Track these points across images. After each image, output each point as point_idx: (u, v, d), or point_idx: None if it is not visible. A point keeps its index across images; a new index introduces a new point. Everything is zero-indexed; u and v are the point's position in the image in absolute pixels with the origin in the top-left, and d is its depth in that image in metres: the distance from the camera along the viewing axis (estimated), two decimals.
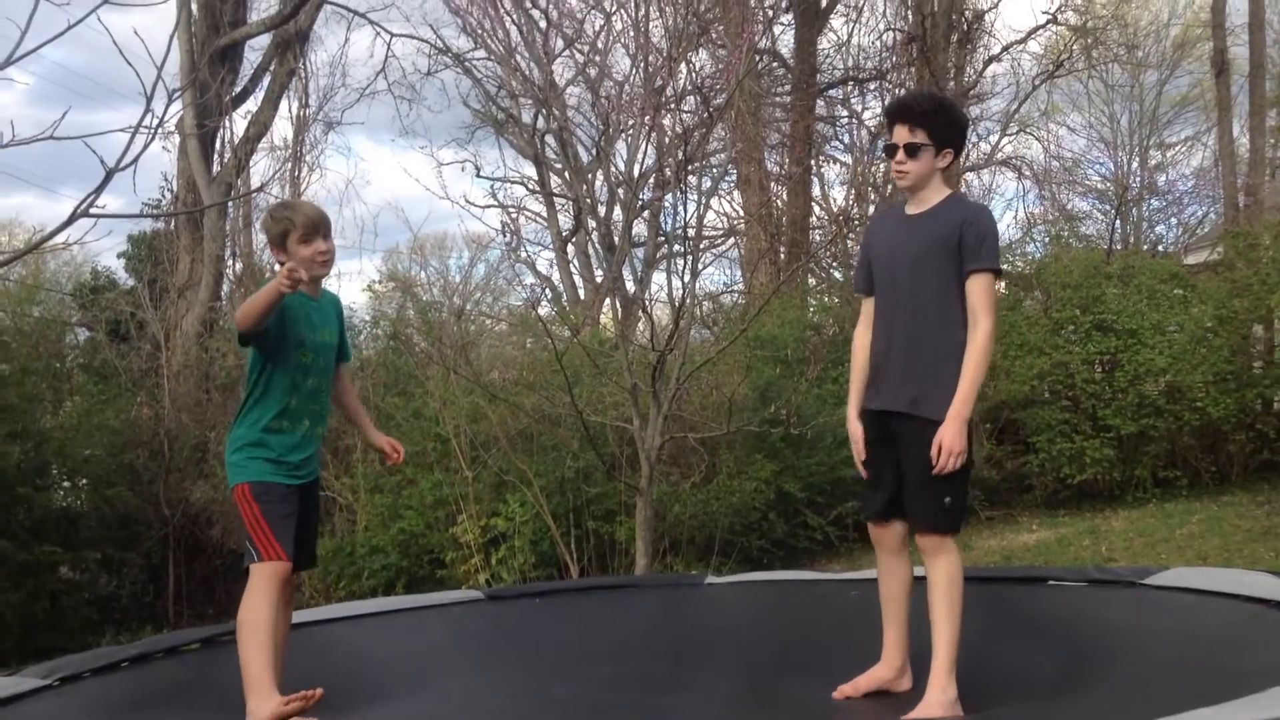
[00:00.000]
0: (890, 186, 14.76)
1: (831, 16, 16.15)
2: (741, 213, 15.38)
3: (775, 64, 16.12)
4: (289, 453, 3.45)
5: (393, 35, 14.84)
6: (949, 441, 3.02)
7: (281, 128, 20.42)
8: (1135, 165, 24.61)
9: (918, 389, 3.14)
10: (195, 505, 9.80)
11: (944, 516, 3.12)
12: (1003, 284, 12.28)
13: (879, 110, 15.78)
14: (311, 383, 3.51)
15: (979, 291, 3.08)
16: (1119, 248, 15.34)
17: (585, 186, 14.65)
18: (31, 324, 10.68)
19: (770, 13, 15.12)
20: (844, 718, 3.21)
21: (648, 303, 12.58)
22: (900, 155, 3.20)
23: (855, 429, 3.39)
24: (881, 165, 15.31)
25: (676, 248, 10.90)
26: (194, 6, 13.00)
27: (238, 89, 13.88)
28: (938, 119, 3.22)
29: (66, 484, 9.90)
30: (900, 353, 3.20)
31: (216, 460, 9.92)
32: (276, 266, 3.45)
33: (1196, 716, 2.22)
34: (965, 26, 15.42)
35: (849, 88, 16.18)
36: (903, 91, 14.89)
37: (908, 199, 3.33)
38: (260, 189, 13.26)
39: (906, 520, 3.27)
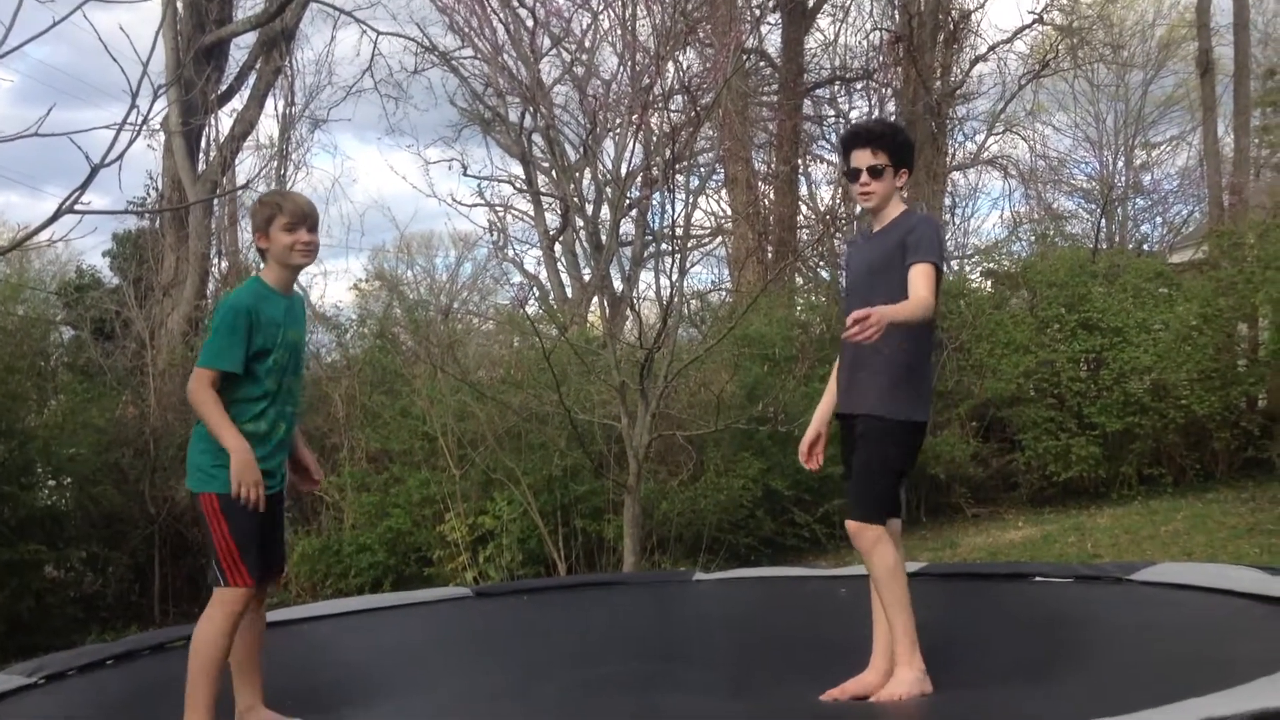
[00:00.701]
0: None
1: (818, 16, 16.17)
2: (729, 211, 15.39)
3: (762, 63, 16.13)
4: (264, 460, 3.30)
5: (379, 33, 14.81)
6: (876, 311, 3.03)
7: (267, 126, 20.36)
8: (1120, 164, 24.69)
9: (859, 390, 3.38)
10: (181, 504, 9.74)
11: (869, 506, 3.30)
12: (989, 283, 12.33)
13: (866, 110, 15.83)
14: (286, 382, 3.39)
15: (916, 276, 3.23)
16: (1104, 247, 15.40)
17: (572, 185, 14.63)
18: (15, 322, 10.58)
19: (758, 12, 15.15)
20: (832, 713, 3.21)
21: (635, 301, 12.60)
22: (865, 178, 3.40)
23: (810, 430, 3.72)
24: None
25: (664, 246, 10.90)
26: (179, 4, 12.93)
27: (223, 87, 13.81)
28: (895, 141, 3.43)
29: (51, 483, 9.83)
30: (851, 357, 3.43)
31: None
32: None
33: (1185, 707, 2.23)
34: (952, 26, 15.46)
35: (836, 87, 16.20)
36: (886, 103, 14.95)
37: (872, 220, 3.51)
38: (245, 186, 13.19)
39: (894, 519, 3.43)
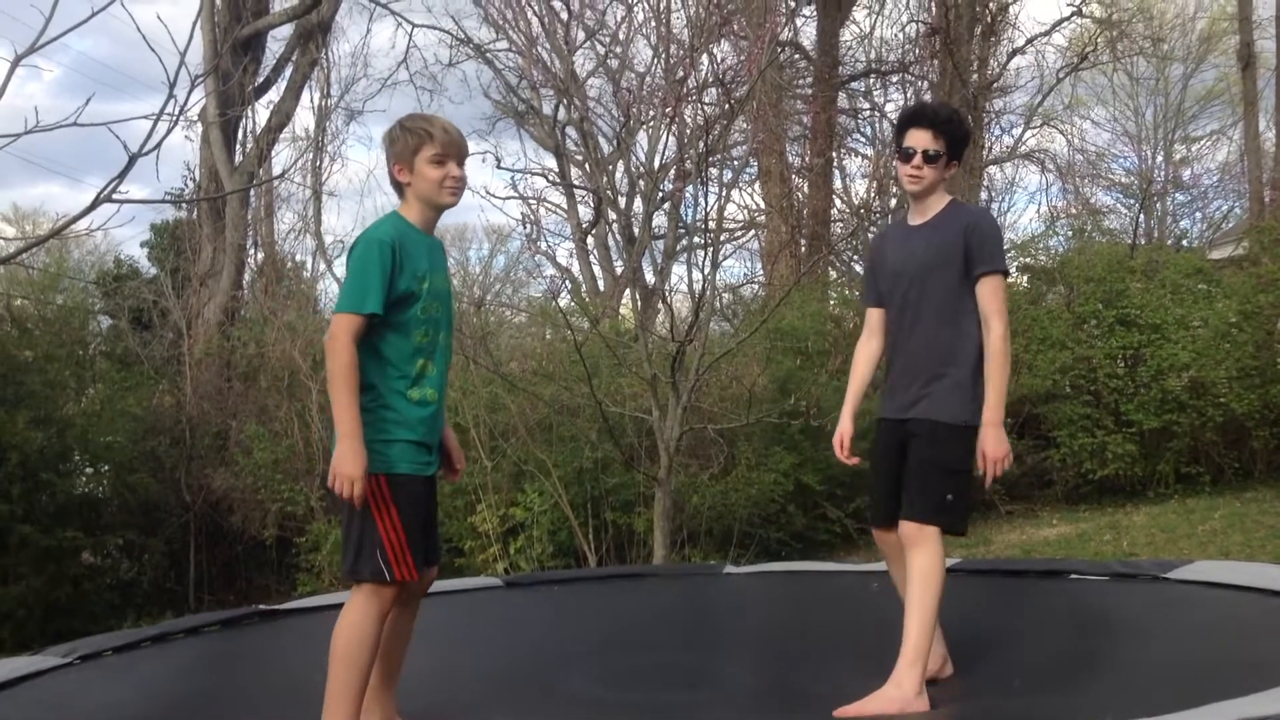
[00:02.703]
0: None
1: (854, 8, 16.07)
2: (762, 205, 15.34)
3: (797, 56, 16.06)
4: (429, 431, 2.89)
5: (414, 26, 14.89)
6: (990, 452, 3.07)
7: (303, 118, 20.50)
8: (1160, 159, 24.43)
9: (922, 391, 3.20)
10: (216, 492, 9.86)
11: (933, 508, 3.12)
12: (1025, 278, 12.22)
13: (901, 103, 15.72)
14: (442, 338, 2.95)
15: (989, 294, 3.13)
16: (1143, 242, 15.20)
17: (605, 178, 14.64)
18: (55, 311, 10.74)
19: (792, 4, 15.06)
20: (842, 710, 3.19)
21: (667, 294, 12.57)
22: (919, 160, 3.25)
23: (844, 426, 3.53)
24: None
25: (696, 239, 10.87)
26: None
27: (260, 79, 13.92)
28: (956, 130, 3.30)
29: (89, 470, 9.97)
30: (910, 360, 3.27)
31: (238, 448, 9.98)
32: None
33: (1222, 709, 2.20)
34: (989, 19, 15.31)
35: (871, 80, 16.11)
36: (922, 96, 14.83)
37: (910, 209, 3.39)
38: (281, 176, 13.30)
39: None
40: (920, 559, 3.09)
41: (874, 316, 3.45)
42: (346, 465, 2.70)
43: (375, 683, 2.94)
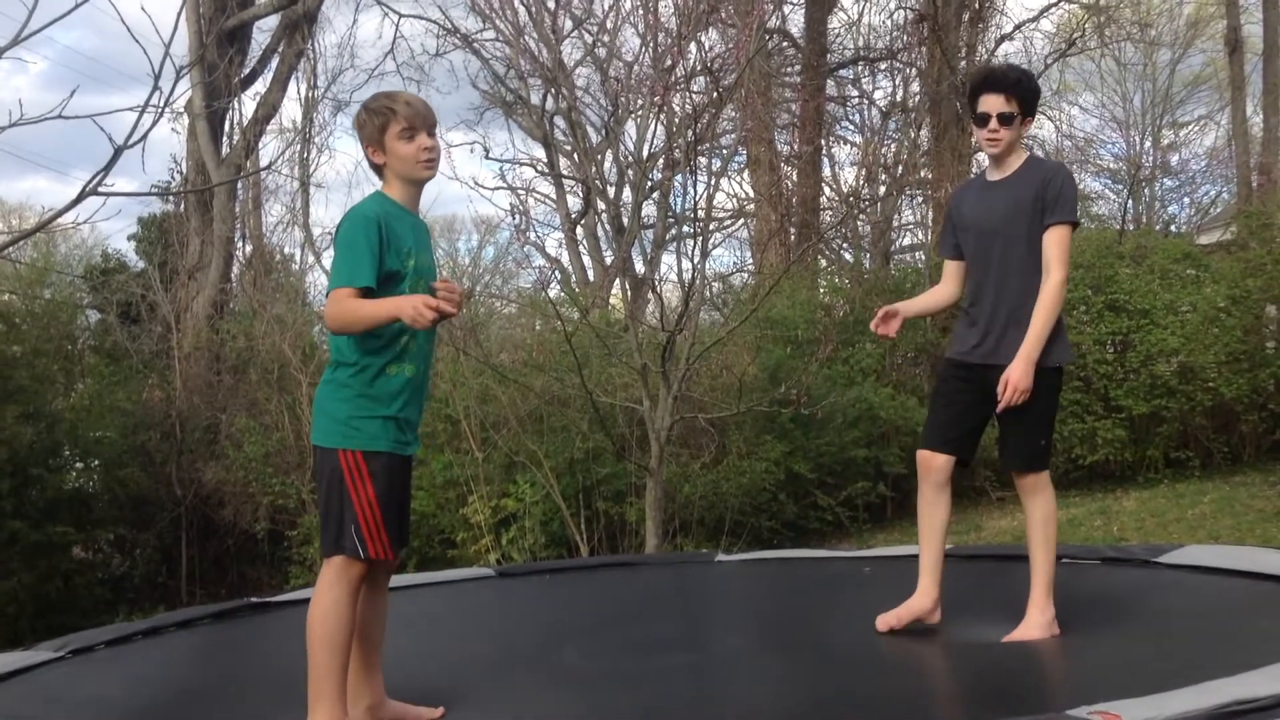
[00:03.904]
0: (900, 168, 14.70)
1: None
2: (751, 193, 15.33)
3: (785, 43, 16.03)
4: (406, 407, 2.88)
5: (401, 16, 14.82)
6: (1015, 378, 3.24)
7: (290, 109, 20.41)
8: (1148, 145, 24.49)
9: (1004, 339, 3.38)
10: (207, 486, 9.85)
11: (1041, 456, 3.42)
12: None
13: (890, 90, 15.73)
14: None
15: (1054, 243, 3.29)
16: (1131, 228, 15.26)
17: (594, 168, 14.60)
18: (42, 306, 10.70)
19: None
20: (851, 684, 3.20)
21: (657, 284, 12.55)
22: (994, 124, 3.39)
23: (897, 306, 3.65)
24: (891, 145, 15.27)
25: (686, 229, 10.87)
26: None
27: (246, 70, 13.86)
28: (1027, 88, 3.43)
29: (79, 465, 9.94)
30: (993, 309, 3.42)
31: (228, 441, 9.95)
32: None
33: (1211, 688, 2.21)
34: (977, 5, 15.29)
35: (859, 67, 16.10)
36: (911, 83, 14.82)
37: (989, 166, 3.53)
38: (268, 168, 13.24)
39: (957, 461, 3.56)
40: (1040, 505, 3.40)
41: (950, 267, 3.64)
42: (417, 300, 2.67)
43: (358, 665, 2.93)
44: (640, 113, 13.28)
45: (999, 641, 3.35)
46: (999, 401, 3.31)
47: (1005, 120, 3.35)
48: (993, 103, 3.37)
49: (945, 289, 3.64)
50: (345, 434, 2.78)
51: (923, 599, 3.49)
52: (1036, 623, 3.28)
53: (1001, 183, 3.42)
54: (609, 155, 14.85)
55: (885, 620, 3.47)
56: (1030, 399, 3.28)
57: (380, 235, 2.77)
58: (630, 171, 13.58)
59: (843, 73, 16.14)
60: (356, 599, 2.83)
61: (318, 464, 2.88)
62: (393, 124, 2.87)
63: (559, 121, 15.65)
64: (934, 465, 3.53)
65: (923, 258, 12.85)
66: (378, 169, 2.94)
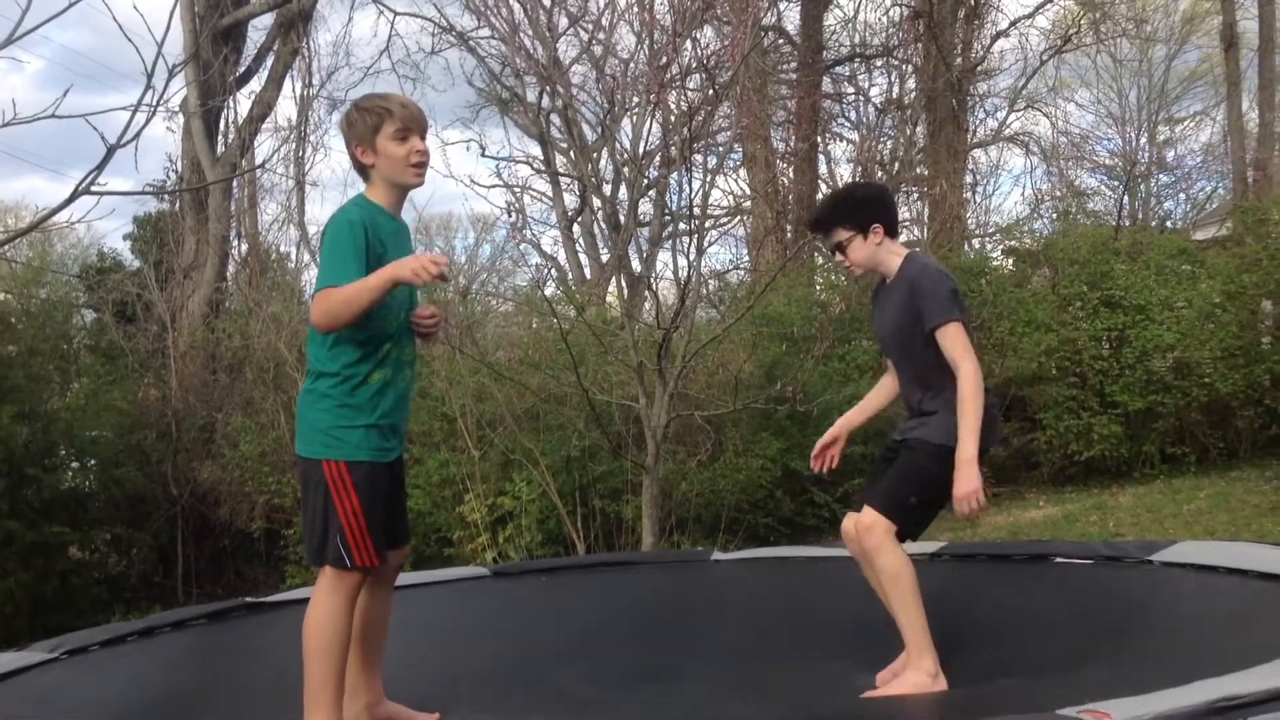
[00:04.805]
0: (896, 165, 14.72)
1: None
2: (747, 190, 15.34)
3: (781, 41, 16.04)
4: (390, 413, 2.85)
5: (396, 14, 14.81)
6: (960, 487, 3.15)
7: (285, 107, 20.38)
8: (1144, 141, 24.50)
9: (913, 424, 3.36)
10: (203, 485, 9.84)
11: (897, 508, 3.23)
12: (1010, 261, 12.24)
13: (885, 87, 15.73)
14: (406, 318, 2.91)
15: (948, 344, 3.22)
16: (1127, 224, 15.25)
17: (590, 165, 14.60)
18: (38, 305, 10.70)
19: None
20: (851, 693, 3.20)
21: (653, 281, 12.56)
22: (838, 255, 3.45)
23: (829, 433, 3.66)
24: (887, 142, 15.29)
25: (682, 226, 10.87)
26: None
27: (241, 69, 13.84)
28: (844, 210, 3.42)
29: (75, 465, 9.93)
30: (906, 403, 3.45)
31: (224, 440, 9.95)
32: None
33: (1203, 687, 2.21)
34: (973, 1, 15.31)
35: (855, 64, 16.10)
36: (907, 80, 14.79)
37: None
38: (262, 166, 13.23)
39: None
40: (881, 563, 3.19)
41: (889, 361, 3.63)
42: (413, 260, 2.69)
43: (358, 668, 2.93)
44: (636, 110, 13.29)
45: (990, 641, 3.35)
46: (895, 465, 3.32)
47: (842, 250, 3.39)
48: (827, 242, 3.45)
49: (887, 385, 3.64)
50: (328, 444, 2.78)
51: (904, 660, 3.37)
52: (910, 682, 3.12)
53: (885, 290, 3.45)
54: (605, 153, 14.84)
55: (881, 678, 3.32)
56: (914, 458, 3.26)
57: (365, 239, 2.75)
58: (626, 169, 13.58)
59: (839, 70, 16.15)
60: (353, 607, 2.82)
61: (301, 473, 2.87)
62: (387, 124, 2.84)
63: (555, 119, 15.64)
64: (851, 535, 3.41)
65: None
66: (363, 170, 2.90)
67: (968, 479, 3.13)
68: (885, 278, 3.43)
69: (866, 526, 3.22)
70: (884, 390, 3.65)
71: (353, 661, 2.89)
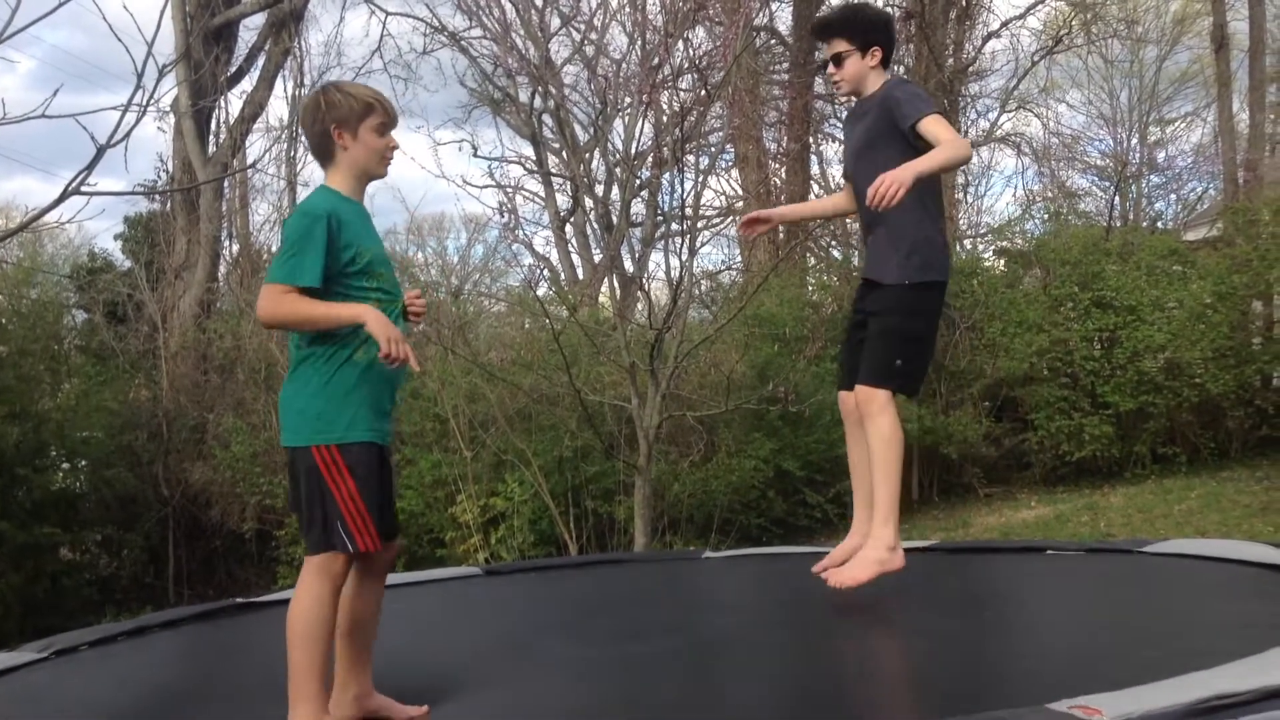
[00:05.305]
0: None
1: None
2: (740, 191, 15.33)
3: (773, 41, 16.05)
4: (376, 391, 2.79)
5: (388, 14, 14.79)
6: (892, 174, 3.06)
7: (277, 107, 20.33)
8: (1135, 142, 24.56)
9: (877, 261, 3.41)
10: (194, 486, 9.82)
11: (886, 374, 3.31)
12: (1002, 262, 12.24)
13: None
14: (385, 305, 2.83)
15: (933, 129, 3.22)
16: (1118, 224, 15.30)
17: (582, 166, 14.59)
18: (29, 306, 10.65)
19: None
20: (832, 678, 3.20)
21: (646, 282, 12.56)
22: (831, 68, 3.51)
23: (767, 212, 3.84)
24: None
25: (674, 226, 10.87)
26: None
27: (233, 69, 13.82)
28: (853, 23, 3.48)
29: (66, 465, 9.91)
30: (866, 233, 3.50)
31: (216, 441, 9.92)
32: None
33: (1191, 680, 2.22)
34: (964, 2, 15.33)
35: None
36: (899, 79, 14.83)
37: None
38: (254, 166, 13.20)
39: None
40: (876, 427, 3.28)
41: (846, 185, 3.69)
42: (390, 328, 2.66)
43: (349, 660, 2.89)
44: (628, 110, 13.28)
45: (980, 635, 3.35)
46: (873, 319, 3.35)
47: (837, 61, 3.44)
48: (826, 49, 3.50)
49: (835, 198, 3.75)
50: (317, 429, 2.71)
51: (855, 537, 3.52)
52: (869, 558, 3.23)
53: (856, 111, 3.53)
54: (597, 153, 14.83)
55: (820, 565, 3.52)
56: (889, 311, 3.30)
57: (330, 232, 2.70)
58: (618, 169, 13.58)
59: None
60: (338, 596, 2.78)
61: (292, 465, 2.81)
62: (374, 115, 2.84)
63: (547, 119, 15.62)
64: (847, 404, 3.54)
65: None
66: (328, 152, 2.85)
67: (902, 172, 3.05)
68: (861, 98, 3.50)
69: (866, 397, 3.31)
70: (831, 202, 3.78)
71: (343, 654, 2.86)
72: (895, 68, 13.55)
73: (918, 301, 3.29)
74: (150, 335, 11.76)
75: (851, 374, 3.46)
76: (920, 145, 3.23)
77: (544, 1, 14.43)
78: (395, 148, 2.90)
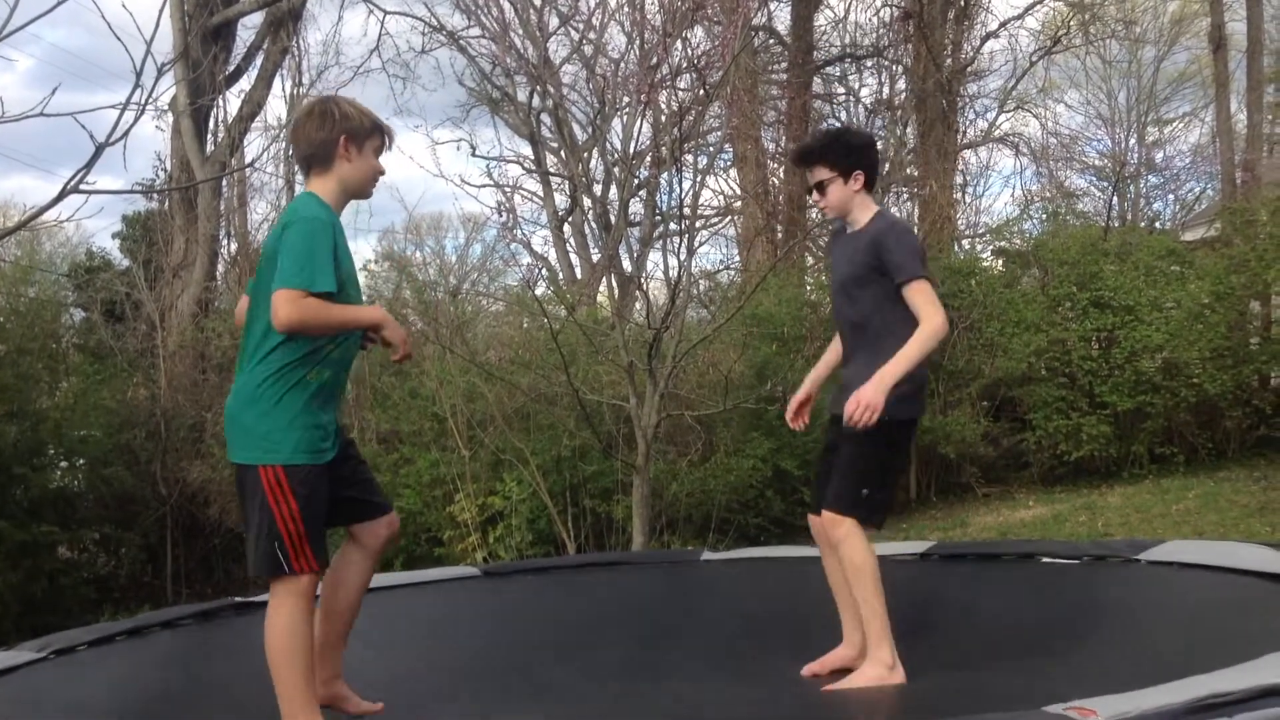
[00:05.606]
0: (886, 166, 14.72)
1: None
2: (738, 190, 15.33)
3: (771, 41, 16.04)
4: (321, 413, 2.80)
5: (386, 13, 14.75)
6: (865, 395, 3.07)
7: (275, 106, 20.33)
8: (1133, 142, 24.58)
9: (847, 396, 3.27)
10: (192, 485, 9.81)
11: (851, 502, 3.23)
12: (1000, 262, 12.26)
13: (876, 87, 15.76)
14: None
15: (917, 300, 3.19)
16: (1116, 224, 15.30)
17: (581, 165, 14.58)
18: (27, 304, 10.64)
19: None
20: (833, 699, 3.21)
21: (644, 281, 12.55)
22: (815, 195, 3.43)
23: (801, 391, 3.75)
24: (878, 142, 15.27)
25: (673, 226, 10.86)
26: None
27: (231, 67, 13.80)
28: (834, 150, 3.40)
29: (64, 464, 9.90)
30: (845, 363, 3.46)
31: (214, 440, 9.92)
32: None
33: (1189, 684, 2.22)
34: (962, 2, 15.33)
35: (846, 65, 16.11)
36: (897, 80, 14.84)
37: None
38: (252, 165, 13.19)
39: None
40: (846, 554, 3.21)
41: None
42: (401, 329, 2.92)
43: (326, 639, 2.92)
44: (627, 110, 13.27)
45: (976, 639, 3.36)
46: (839, 450, 3.29)
47: (820, 189, 3.37)
48: (808, 176, 3.43)
49: (837, 344, 3.64)
50: (265, 449, 2.72)
51: (847, 648, 3.44)
52: (868, 675, 3.15)
53: (847, 238, 3.43)
54: (595, 153, 14.81)
55: (810, 668, 3.41)
56: (861, 441, 3.18)
57: (334, 241, 2.74)
58: (617, 169, 13.57)
59: (829, 70, 16.16)
60: (311, 611, 2.79)
61: (239, 481, 2.81)
62: (377, 138, 2.91)
63: (545, 119, 15.61)
64: (816, 526, 3.48)
65: None
66: (326, 160, 2.85)
67: (876, 391, 3.06)
68: (848, 226, 3.43)
69: (831, 523, 3.25)
70: (836, 348, 3.68)
71: (322, 636, 2.88)
72: (894, 68, 13.46)
73: (892, 435, 3.21)
74: (148, 334, 11.75)
75: (823, 499, 3.39)
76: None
77: (542, 1, 14.42)
78: (382, 174, 2.97)
